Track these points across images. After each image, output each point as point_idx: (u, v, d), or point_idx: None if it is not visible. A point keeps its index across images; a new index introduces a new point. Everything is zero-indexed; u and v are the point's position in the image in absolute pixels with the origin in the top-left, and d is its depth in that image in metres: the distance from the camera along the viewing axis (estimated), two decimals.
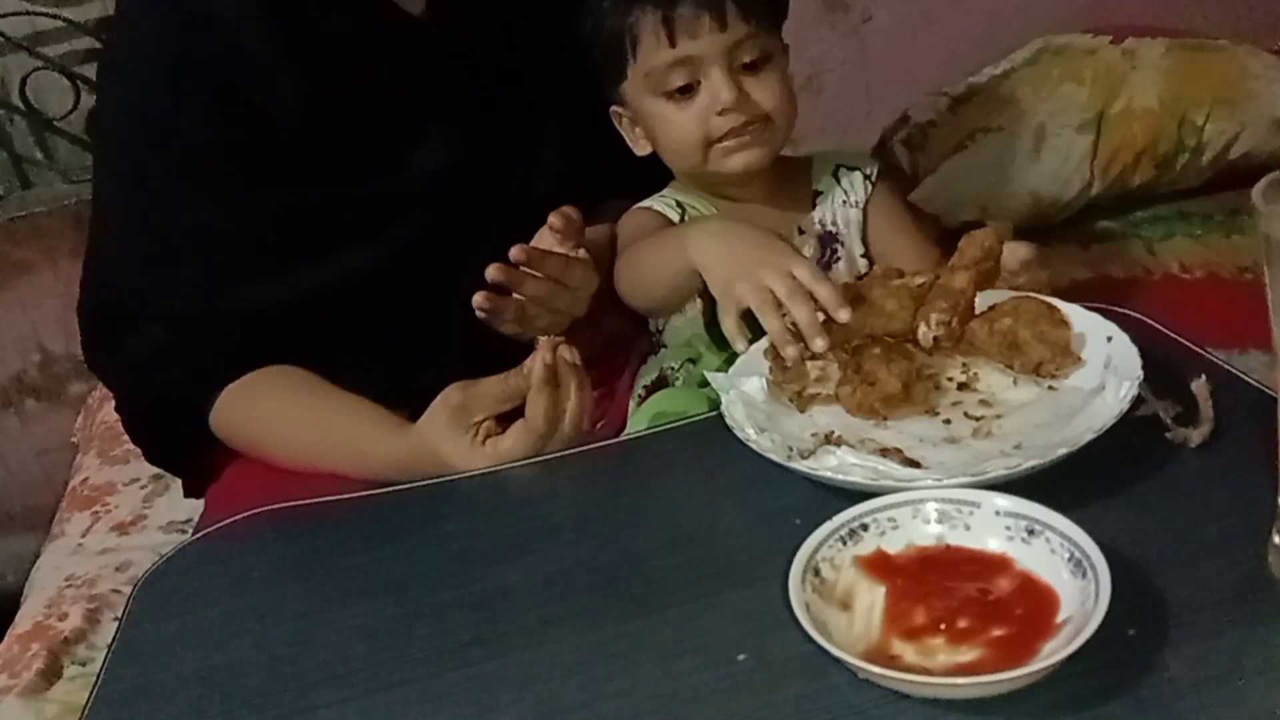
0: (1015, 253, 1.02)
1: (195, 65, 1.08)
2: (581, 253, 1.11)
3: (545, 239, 1.07)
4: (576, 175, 1.19)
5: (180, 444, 1.22)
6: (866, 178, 1.19)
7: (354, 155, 1.15)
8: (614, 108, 1.16)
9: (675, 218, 1.16)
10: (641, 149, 1.16)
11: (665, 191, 1.19)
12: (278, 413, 1.15)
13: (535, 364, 1.01)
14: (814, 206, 1.17)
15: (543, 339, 1.02)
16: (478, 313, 1.05)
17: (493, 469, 1.02)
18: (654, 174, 1.20)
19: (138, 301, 1.17)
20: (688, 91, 1.08)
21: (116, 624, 0.92)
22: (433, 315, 1.21)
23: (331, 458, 1.11)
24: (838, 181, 1.18)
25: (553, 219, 1.05)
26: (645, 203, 1.18)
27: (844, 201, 1.17)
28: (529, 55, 1.21)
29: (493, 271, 1.02)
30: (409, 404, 1.12)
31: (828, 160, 1.20)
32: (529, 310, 1.07)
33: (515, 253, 1.02)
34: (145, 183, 1.13)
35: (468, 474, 1.02)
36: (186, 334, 1.16)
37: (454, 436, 1.03)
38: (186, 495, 1.31)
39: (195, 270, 1.15)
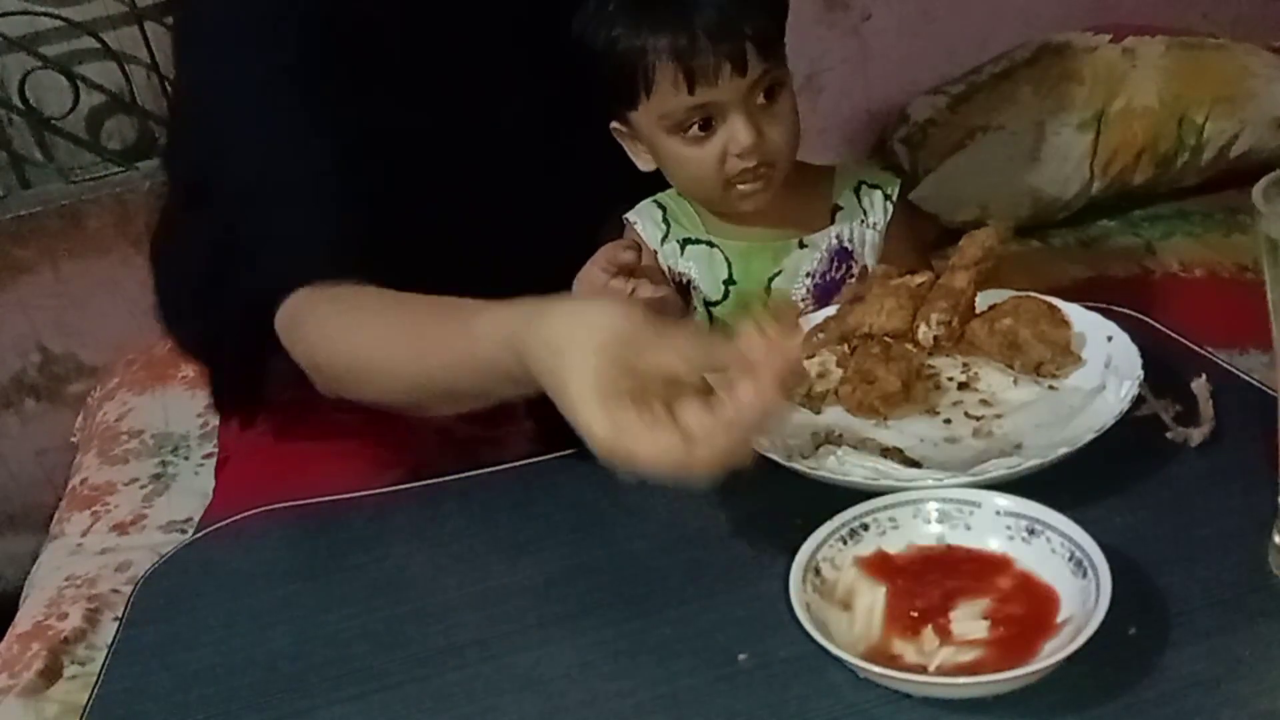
0: (975, 239, 1.01)
1: None
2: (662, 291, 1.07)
3: (597, 278, 1.05)
4: (596, 175, 1.18)
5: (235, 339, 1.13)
6: (887, 197, 1.18)
7: (447, 92, 1.12)
8: (615, 125, 1.13)
9: (658, 235, 1.16)
10: (645, 165, 1.14)
11: (661, 195, 1.19)
12: (369, 311, 0.97)
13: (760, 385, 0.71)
14: (833, 220, 1.17)
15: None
16: None
17: (490, 470, 1.02)
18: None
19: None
20: (705, 128, 1.07)
21: (116, 624, 0.92)
22: (482, 276, 1.15)
23: (430, 352, 0.91)
24: (859, 199, 1.18)
25: (620, 256, 1.03)
26: (631, 214, 1.17)
27: (862, 221, 1.16)
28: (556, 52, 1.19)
29: None
30: None
31: (850, 174, 1.18)
32: None
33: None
34: (250, 83, 1.07)
35: (466, 474, 1.02)
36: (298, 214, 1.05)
37: (596, 400, 0.71)
38: (217, 407, 1.27)
39: (315, 151, 1.06)
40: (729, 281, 1.15)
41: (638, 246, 1.06)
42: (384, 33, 1.08)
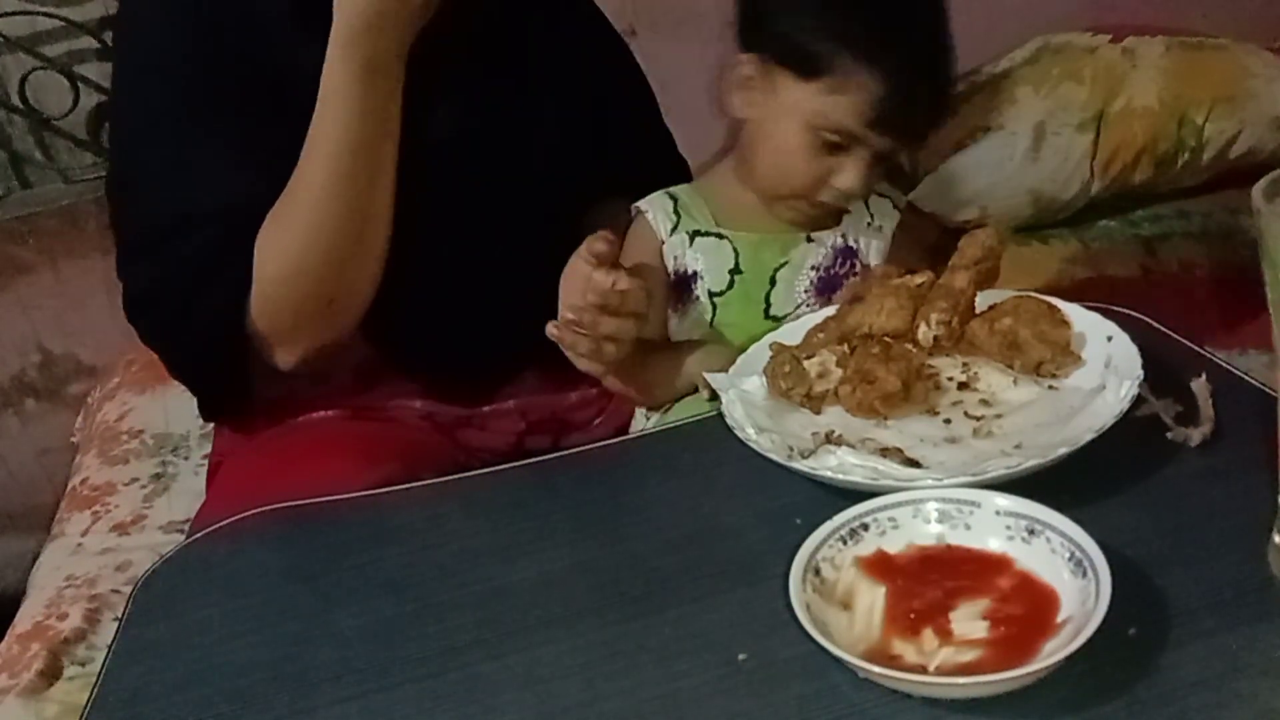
0: (976, 238, 1.02)
1: (210, 26, 1.08)
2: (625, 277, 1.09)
3: (581, 268, 1.06)
4: (569, 164, 1.19)
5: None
6: (895, 206, 1.21)
7: None
8: (747, 70, 1.11)
9: (668, 225, 1.16)
10: (742, 111, 1.13)
11: (674, 188, 1.19)
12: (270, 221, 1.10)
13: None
14: (839, 220, 1.18)
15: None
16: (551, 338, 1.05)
17: (490, 470, 1.02)
18: (651, 178, 1.20)
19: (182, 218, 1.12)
20: (838, 149, 1.08)
21: (116, 624, 0.92)
22: (422, 288, 1.18)
23: (318, 173, 1.06)
24: (867, 205, 1.19)
25: (595, 246, 1.04)
26: (642, 203, 1.18)
27: (869, 224, 1.18)
28: (528, 38, 1.20)
29: (567, 315, 1.03)
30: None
31: None
32: (604, 346, 1.06)
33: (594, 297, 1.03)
34: (165, 121, 1.11)
35: (466, 474, 1.02)
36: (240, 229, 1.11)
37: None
38: (207, 416, 1.26)
39: (238, 171, 1.11)
40: (735, 271, 1.15)
41: (612, 238, 1.05)
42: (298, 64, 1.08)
